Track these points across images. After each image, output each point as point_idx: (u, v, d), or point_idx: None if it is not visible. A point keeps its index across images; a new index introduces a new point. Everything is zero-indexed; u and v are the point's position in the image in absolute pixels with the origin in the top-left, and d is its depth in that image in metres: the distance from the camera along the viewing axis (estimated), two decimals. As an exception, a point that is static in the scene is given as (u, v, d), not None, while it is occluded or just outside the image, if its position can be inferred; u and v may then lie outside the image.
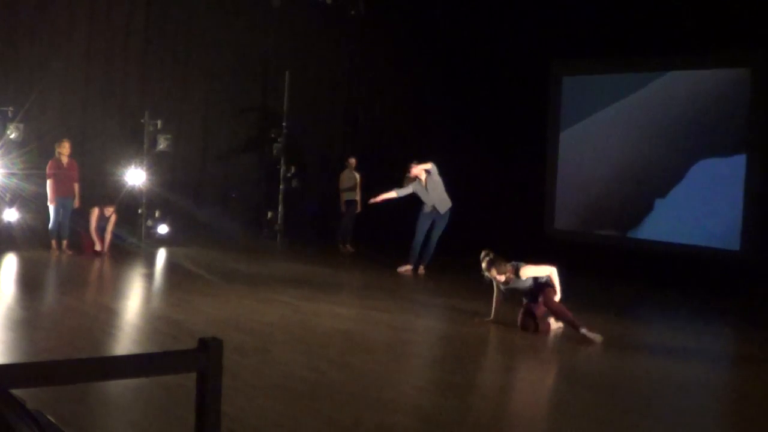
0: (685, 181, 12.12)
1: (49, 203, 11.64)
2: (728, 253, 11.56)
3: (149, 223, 13.17)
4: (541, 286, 7.61)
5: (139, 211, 13.01)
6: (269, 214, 14.99)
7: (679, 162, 12.20)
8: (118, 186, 12.82)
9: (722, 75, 11.91)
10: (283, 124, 14.85)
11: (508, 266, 7.65)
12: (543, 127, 13.81)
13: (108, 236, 11.68)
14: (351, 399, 5.33)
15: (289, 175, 14.91)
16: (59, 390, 3.59)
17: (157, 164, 13.30)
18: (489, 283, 7.86)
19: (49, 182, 11.60)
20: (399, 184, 12.23)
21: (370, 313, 8.39)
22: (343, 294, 10.16)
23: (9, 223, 11.83)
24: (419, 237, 11.54)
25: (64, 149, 11.66)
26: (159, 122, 13.17)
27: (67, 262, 11.19)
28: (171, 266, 11.49)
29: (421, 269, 11.51)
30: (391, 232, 14.53)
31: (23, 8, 12.47)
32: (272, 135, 15.01)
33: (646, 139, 12.60)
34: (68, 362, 2.28)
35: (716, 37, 11.49)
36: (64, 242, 11.69)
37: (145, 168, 13.04)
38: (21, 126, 11.77)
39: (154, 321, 7.70)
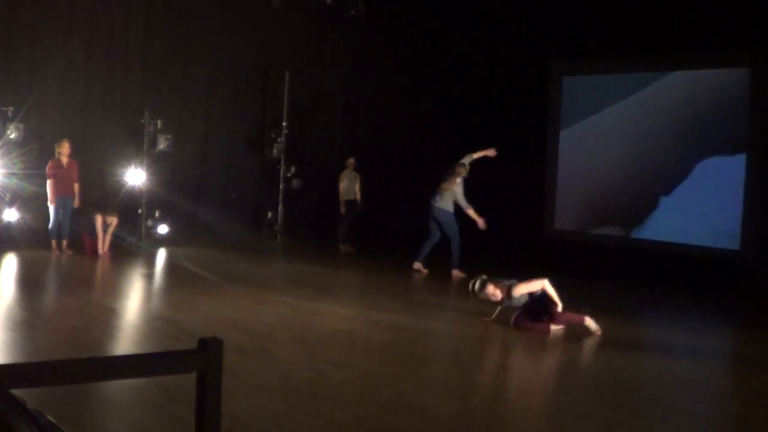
0: (685, 181, 12.12)
1: (49, 203, 11.65)
2: (728, 252, 11.56)
3: (149, 223, 13.17)
4: (541, 301, 7.63)
5: (139, 211, 13.01)
6: (269, 214, 15.00)
7: (679, 162, 12.20)
8: (118, 186, 12.83)
9: (722, 75, 11.91)
10: (283, 124, 14.85)
11: (500, 286, 7.69)
12: (543, 127, 13.81)
13: (108, 238, 11.69)
14: (351, 399, 5.33)
15: (289, 175, 14.91)
16: (59, 390, 3.59)
17: (157, 164, 13.31)
18: (485, 301, 7.85)
19: (49, 182, 11.60)
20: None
21: (370, 313, 8.39)
22: (343, 294, 10.16)
23: (9, 223, 11.83)
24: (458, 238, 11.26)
25: (64, 149, 11.66)
26: (159, 122, 13.18)
27: (67, 262, 11.20)
28: (171, 266, 11.49)
29: (419, 266, 11.45)
30: (391, 232, 14.55)
31: (23, 8, 12.47)
32: (272, 135, 15.02)
33: (646, 139, 12.61)
34: (68, 362, 2.28)
35: (716, 37, 11.49)
36: (64, 242, 11.69)
37: (145, 168, 13.04)
38: (21, 126, 11.78)
39: (154, 321, 7.70)
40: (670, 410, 5.55)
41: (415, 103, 15.26)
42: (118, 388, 5.03)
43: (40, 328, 7.05)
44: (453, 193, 11.23)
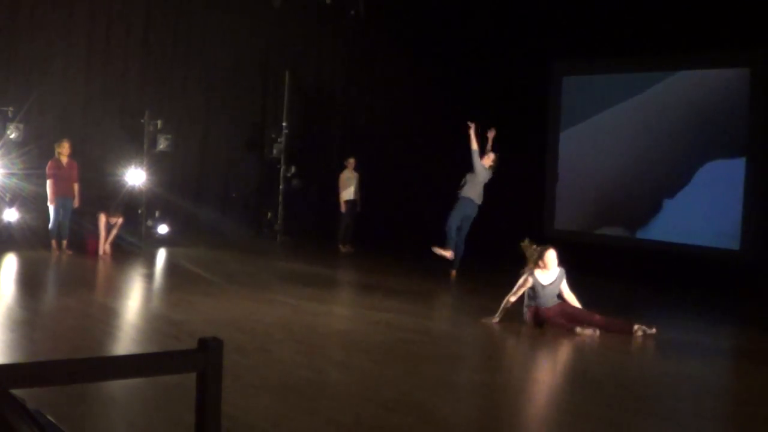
0: (686, 181, 12.12)
1: (48, 203, 11.64)
2: (728, 252, 11.56)
3: (149, 223, 13.17)
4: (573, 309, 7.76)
5: (139, 211, 13.01)
6: (269, 214, 15.00)
7: (680, 163, 12.20)
8: (118, 186, 12.83)
9: (722, 75, 11.91)
10: (283, 124, 14.85)
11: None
12: (543, 127, 13.80)
13: (110, 238, 11.65)
14: (351, 399, 5.33)
15: (289, 175, 14.91)
16: (59, 390, 3.59)
17: (157, 164, 13.31)
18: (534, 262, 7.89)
19: (48, 182, 11.60)
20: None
21: (370, 313, 8.38)
22: (343, 294, 10.17)
23: (9, 223, 11.83)
24: (453, 223, 11.11)
25: (64, 149, 11.65)
26: (159, 122, 13.18)
27: (67, 262, 11.19)
28: (171, 266, 11.49)
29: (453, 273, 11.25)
30: (391, 233, 14.54)
31: (23, 8, 12.47)
32: (272, 135, 15.02)
33: (646, 139, 12.60)
34: (68, 362, 2.28)
35: (716, 37, 11.49)
36: (64, 242, 11.69)
37: (145, 168, 13.04)
38: (21, 126, 11.78)
39: (154, 321, 7.70)
40: (670, 410, 5.55)
41: (415, 102, 15.25)
42: (118, 388, 5.03)
43: (40, 328, 7.05)
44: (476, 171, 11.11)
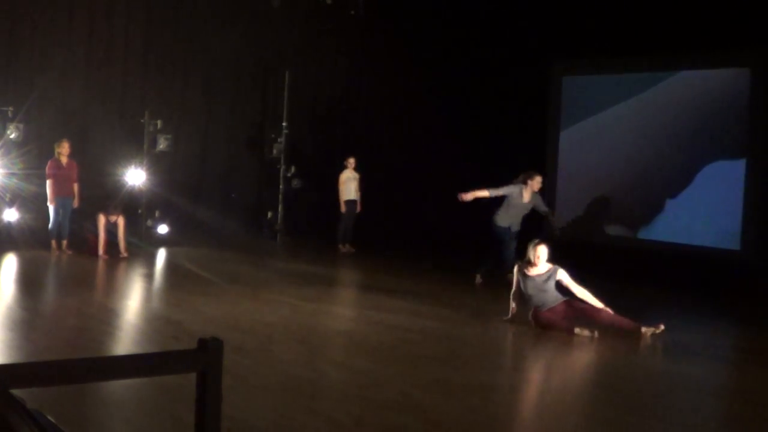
0: (687, 182, 12.12)
1: (48, 203, 11.63)
2: (729, 252, 11.56)
3: (149, 223, 13.17)
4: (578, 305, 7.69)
5: (139, 211, 13.01)
6: (269, 214, 14.99)
7: (680, 164, 12.20)
8: (118, 186, 12.82)
9: (722, 75, 11.91)
10: (283, 124, 14.84)
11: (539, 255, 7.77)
12: (543, 127, 13.81)
13: (122, 241, 11.49)
14: (351, 399, 5.33)
15: (289, 175, 14.90)
16: (59, 390, 3.59)
17: (157, 164, 13.30)
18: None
19: (48, 182, 11.59)
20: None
21: (370, 313, 8.38)
22: (343, 294, 10.16)
23: (9, 223, 11.83)
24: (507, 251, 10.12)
25: (64, 149, 11.64)
26: (159, 122, 13.18)
27: (67, 262, 11.19)
28: (171, 266, 11.48)
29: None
30: (391, 233, 14.54)
31: (23, 8, 12.47)
32: (272, 135, 15.02)
33: (646, 139, 12.60)
34: (68, 362, 2.28)
35: (716, 37, 11.48)
36: (64, 242, 11.68)
37: (145, 168, 13.04)
38: (21, 126, 11.77)
39: (154, 321, 7.70)
40: (671, 410, 5.54)
41: (415, 103, 15.26)
42: (118, 388, 5.03)
43: (40, 328, 7.05)
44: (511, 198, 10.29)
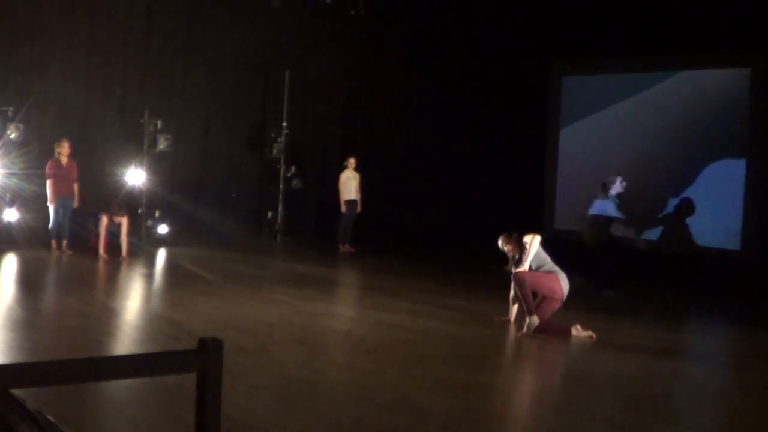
0: (688, 182, 12.12)
1: (48, 203, 11.63)
2: (729, 252, 11.56)
3: (149, 223, 13.17)
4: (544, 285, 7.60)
5: (139, 211, 13.01)
6: (269, 214, 14.99)
7: (681, 163, 12.20)
8: (118, 186, 12.82)
9: (722, 75, 11.92)
10: (283, 124, 14.85)
11: (511, 241, 7.78)
12: (543, 127, 13.82)
13: (125, 243, 11.39)
14: (351, 399, 5.33)
15: (289, 175, 14.90)
16: (59, 390, 3.59)
17: (157, 164, 13.30)
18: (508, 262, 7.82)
19: (48, 182, 11.59)
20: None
21: (370, 313, 8.39)
22: (343, 294, 10.16)
23: (9, 223, 11.83)
24: None
25: (64, 149, 11.65)
26: (159, 122, 13.18)
27: (67, 262, 11.19)
28: (171, 266, 11.48)
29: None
30: (391, 233, 14.54)
31: (23, 8, 12.47)
32: (272, 135, 15.02)
33: (646, 139, 12.61)
34: (68, 362, 2.28)
35: (716, 37, 11.49)
36: (64, 242, 11.68)
37: (145, 168, 13.04)
38: (21, 126, 11.78)
39: (154, 321, 7.70)
40: (671, 410, 5.55)
41: (415, 102, 15.26)
42: (118, 388, 5.03)
43: (40, 328, 7.05)
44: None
